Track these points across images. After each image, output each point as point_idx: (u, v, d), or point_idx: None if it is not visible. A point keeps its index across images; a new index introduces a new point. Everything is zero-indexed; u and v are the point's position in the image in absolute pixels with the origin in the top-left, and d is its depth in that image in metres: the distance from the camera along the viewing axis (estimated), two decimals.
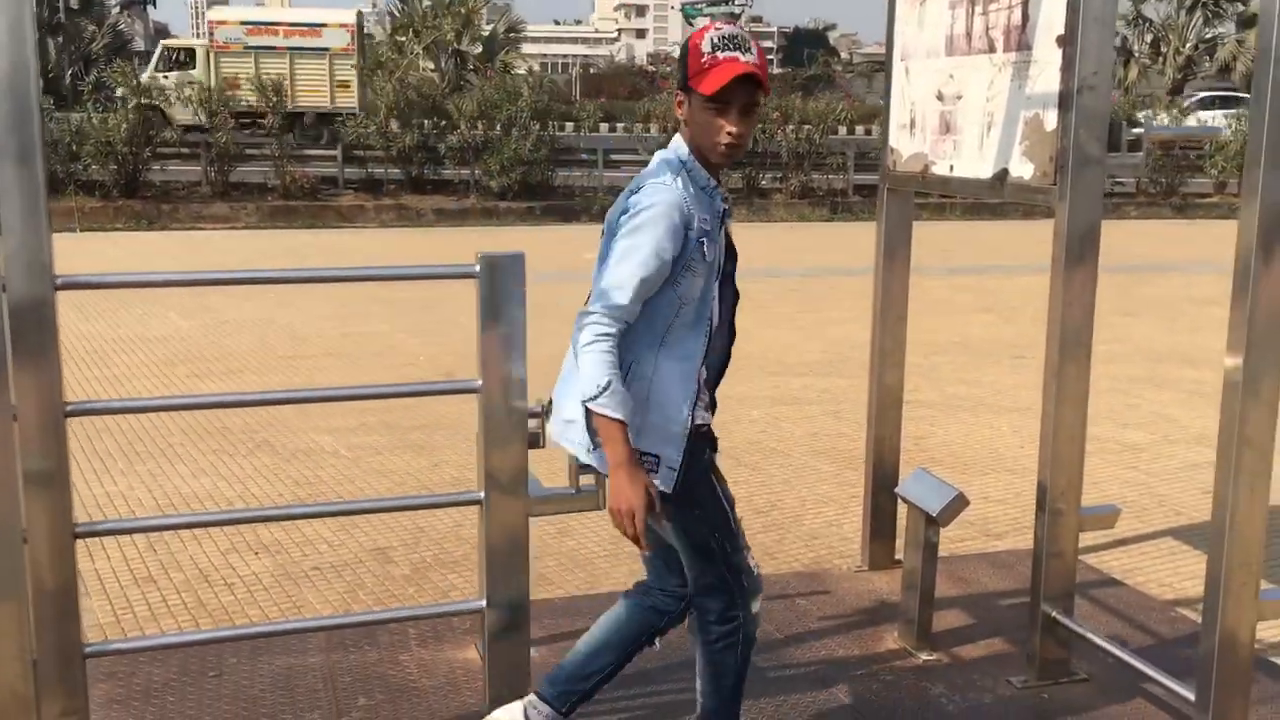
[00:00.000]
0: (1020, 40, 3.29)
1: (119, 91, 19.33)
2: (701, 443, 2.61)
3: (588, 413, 2.44)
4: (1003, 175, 3.41)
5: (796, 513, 5.15)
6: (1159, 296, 11.67)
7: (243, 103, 20.53)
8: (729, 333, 2.66)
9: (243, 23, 24.65)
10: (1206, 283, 12.23)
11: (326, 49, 24.39)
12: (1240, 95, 29.27)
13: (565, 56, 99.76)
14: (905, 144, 3.95)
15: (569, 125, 20.55)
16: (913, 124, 3.89)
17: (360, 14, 25.92)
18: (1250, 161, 2.63)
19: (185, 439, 6.15)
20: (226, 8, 26.28)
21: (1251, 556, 2.77)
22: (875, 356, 4.19)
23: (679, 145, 2.60)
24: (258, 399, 3.86)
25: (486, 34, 32.16)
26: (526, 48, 45.79)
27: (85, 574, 4.32)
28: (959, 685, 3.43)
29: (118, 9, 43.02)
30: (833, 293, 11.45)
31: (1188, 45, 35.55)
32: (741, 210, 18.20)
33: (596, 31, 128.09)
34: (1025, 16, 3.26)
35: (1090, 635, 3.34)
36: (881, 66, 4.49)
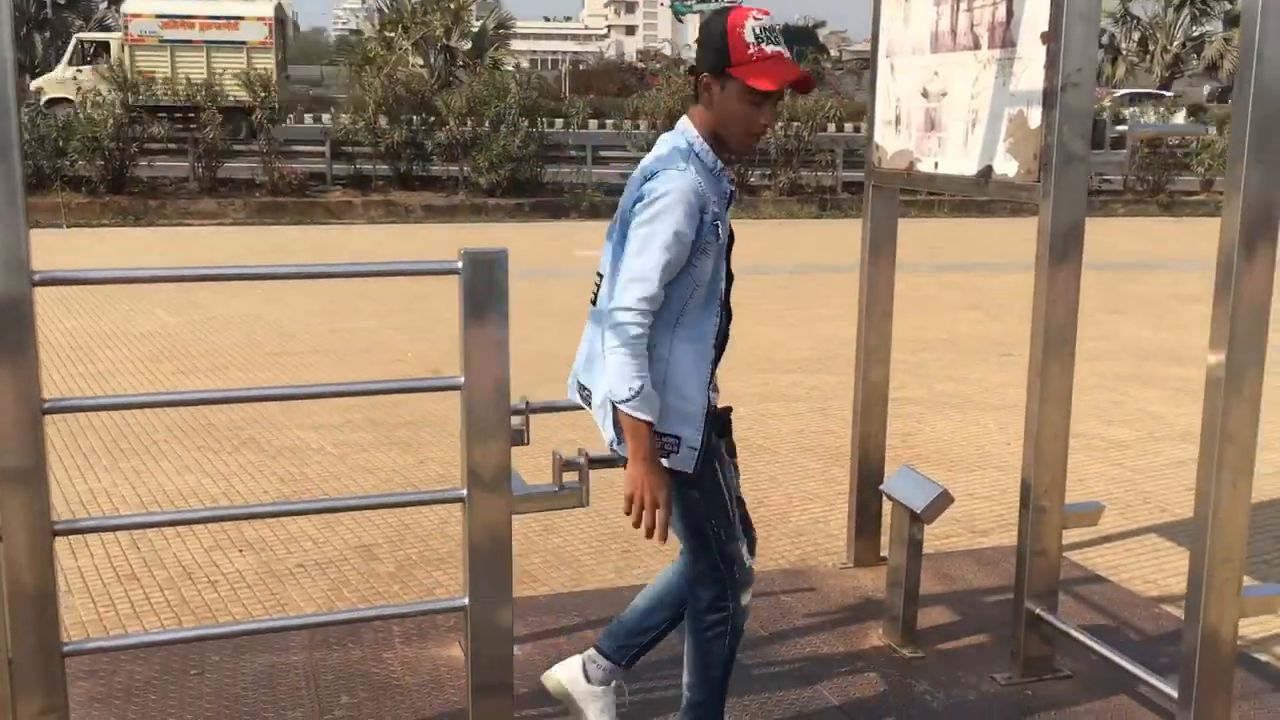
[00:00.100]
0: (1005, 37, 3.29)
1: (105, 89, 19.23)
2: (712, 424, 2.65)
3: (614, 409, 2.50)
4: (987, 172, 3.41)
5: (783, 509, 5.14)
6: (1146, 294, 11.70)
7: (173, 98, 20.11)
8: (728, 313, 2.71)
9: (158, 15, 24.02)
10: (1193, 280, 12.26)
11: (244, 42, 24.02)
12: (1160, 93, 29.70)
13: (555, 53, 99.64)
14: (890, 141, 3.94)
15: (558, 122, 20.52)
16: (898, 121, 3.88)
17: (280, 6, 25.28)
18: (1233, 158, 2.64)
19: (170, 436, 6.12)
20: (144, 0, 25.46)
21: (1234, 553, 2.78)
22: (861, 354, 4.18)
23: (687, 129, 2.63)
24: (237, 395, 3.84)
25: (476, 30, 32.10)
26: (516, 44, 45.70)
27: (68, 571, 4.31)
28: (943, 682, 3.43)
29: (105, 4, 42.78)
30: (821, 290, 11.46)
31: (1175, 43, 35.65)
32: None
33: (586, 28, 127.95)
34: (1010, 13, 3.26)
35: (1074, 632, 3.34)
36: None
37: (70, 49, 25.50)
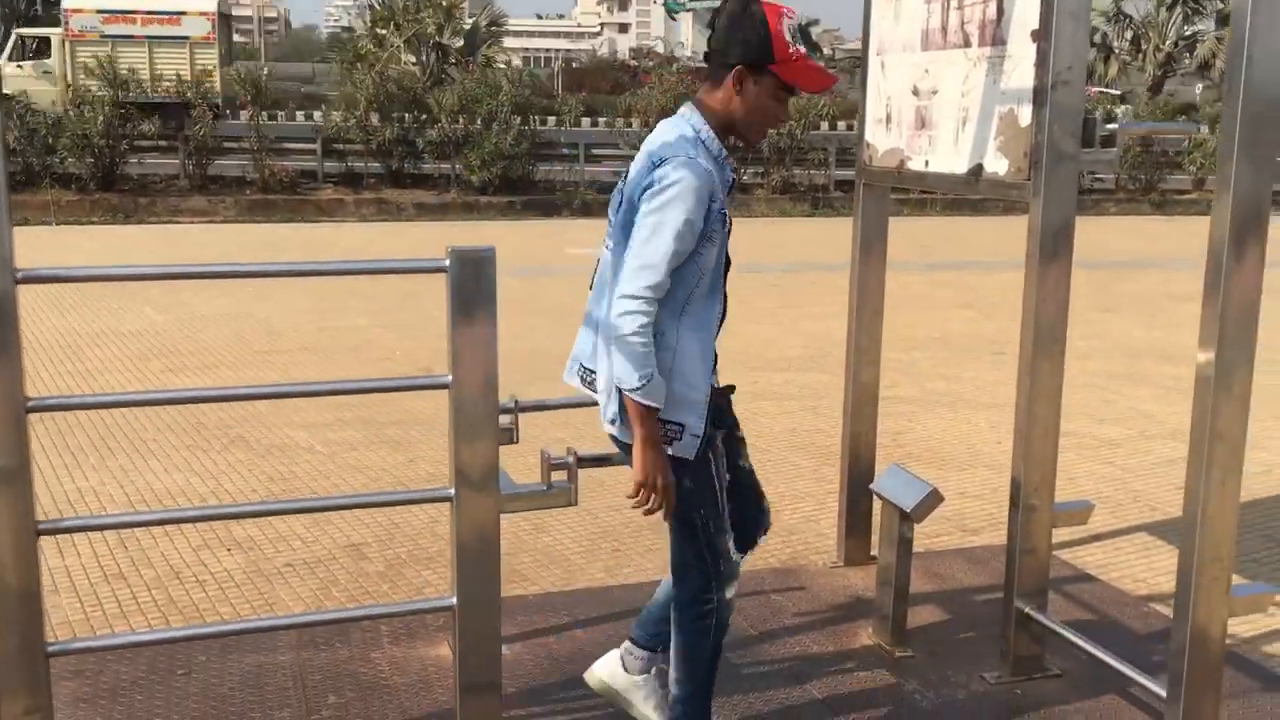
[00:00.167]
0: (995, 35, 3.28)
1: (95, 85, 19.16)
2: (716, 410, 2.68)
3: (620, 395, 2.54)
4: (978, 171, 3.40)
5: (774, 508, 5.10)
6: (1137, 293, 11.72)
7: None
8: (725, 296, 2.72)
9: (99, 10, 23.73)
10: (1185, 279, 12.28)
11: (186, 37, 23.84)
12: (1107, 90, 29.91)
13: (548, 51, 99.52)
14: (881, 139, 3.94)
15: (551, 120, 20.49)
16: (889, 119, 3.88)
17: (223, 0, 25.23)
18: (1223, 156, 2.63)
19: (158, 434, 6.09)
20: None
21: (1223, 552, 2.77)
22: (851, 353, 4.18)
23: (692, 116, 2.63)
24: (223, 394, 3.82)
25: (468, 28, 32.03)
26: (509, 41, 45.63)
27: (55, 570, 4.28)
28: (932, 681, 3.43)
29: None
30: (814, 288, 11.46)
31: (1168, 42, 35.70)
32: None
33: (579, 26, 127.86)
34: (1000, 11, 3.26)
35: (1063, 631, 3.34)
36: None
37: (10, 43, 24.93)
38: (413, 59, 28.30)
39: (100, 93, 18.44)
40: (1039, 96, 3.11)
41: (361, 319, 9.58)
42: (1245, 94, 2.57)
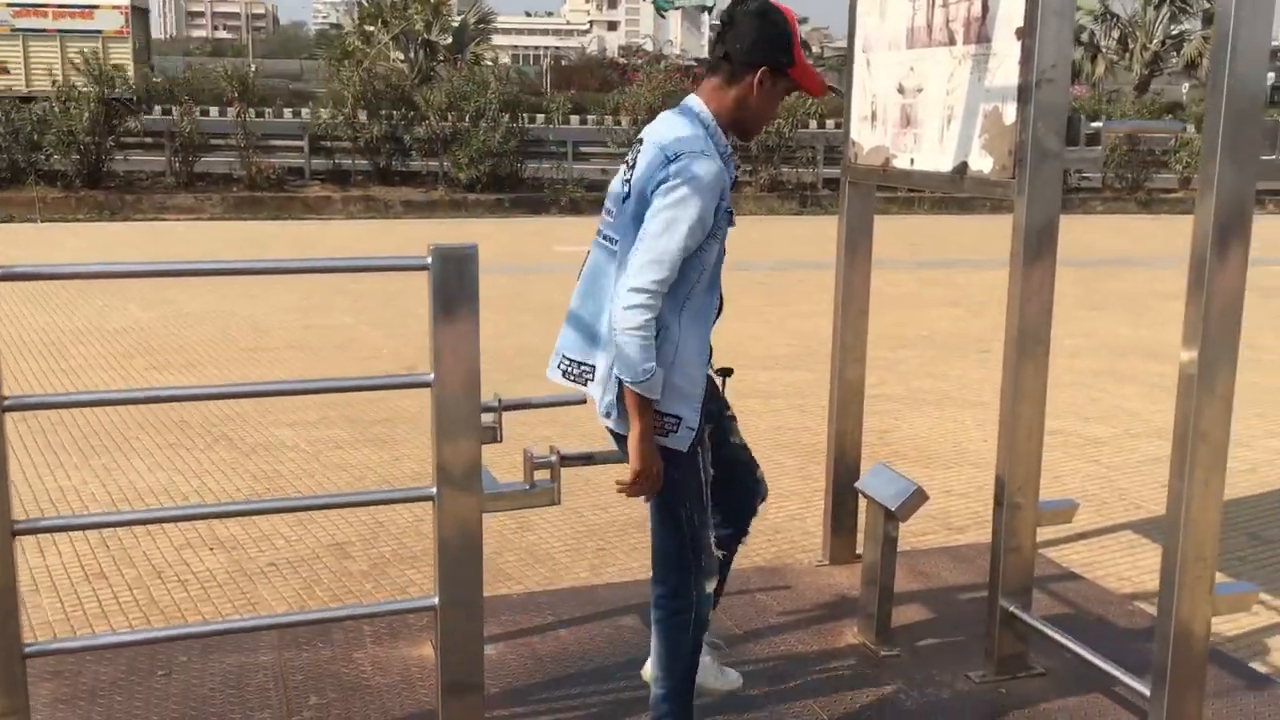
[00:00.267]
0: (980, 32, 3.27)
1: (81, 82, 19.04)
2: (713, 392, 2.77)
3: (619, 384, 2.58)
4: (963, 169, 3.39)
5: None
6: (1123, 291, 11.74)
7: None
8: (721, 294, 2.78)
9: (9, 4, 23.44)
10: (1170, 277, 12.32)
11: (99, 31, 23.55)
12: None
13: (537, 48, 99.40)
14: (866, 137, 3.93)
15: (539, 117, 20.44)
16: (874, 117, 3.87)
17: None
18: (1206, 155, 2.63)
19: (141, 432, 6.06)
20: None
21: (1206, 551, 2.77)
22: (837, 351, 4.17)
23: (701, 111, 2.67)
24: (201, 393, 3.78)
25: (457, 25, 31.95)
26: (497, 39, 45.54)
27: (35, 570, 4.25)
28: (917, 680, 3.42)
29: None
30: (801, 286, 11.46)
31: (1154, 41, 35.78)
32: None
33: (568, 23, 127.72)
34: (985, 9, 3.25)
35: (1047, 630, 3.34)
36: None
37: None
38: (401, 56, 28.21)
39: (86, 89, 18.32)
40: (1023, 94, 3.11)
41: (348, 316, 9.55)
42: (1229, 92, 2.57)
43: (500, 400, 3.19)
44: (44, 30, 23.32)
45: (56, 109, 17.73)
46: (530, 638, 3.63)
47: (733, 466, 3.01)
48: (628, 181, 2.67)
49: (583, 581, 4.27)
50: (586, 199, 19.00)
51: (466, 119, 18.92)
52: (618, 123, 20.51)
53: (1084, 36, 34.88)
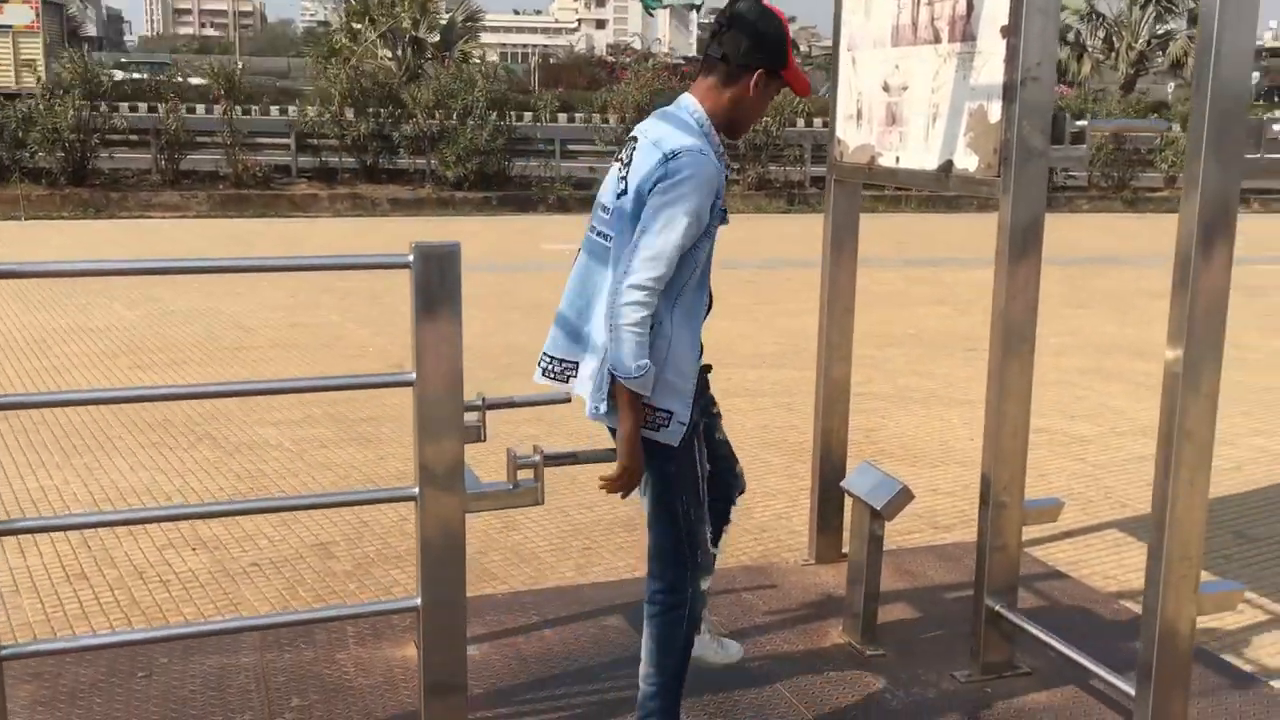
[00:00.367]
0: (965, 31, 3.26)
1: (67, 78, 18.90)
2: (703, 386, 2.78)
3: (612, 379, 2.59)
4: (948, 167, 3.38)
5: (745, 505, 5.05)
6: (1109, 289, 11.77)
7: None
8: (710, 291, 2.81)
9: None
10: (1156, 276, 12.36)
11: (9, 26, 23.18)
12: None
13: (525, 46, 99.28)
14: (852, 135, 3.92)
15: (527, 115, 20.38)
16: (859, 115, 3.86)
17: None
18: (1191, 154, 2.63)
19: (124, 431, 6.02)
20: None
21: (1191, 550, 2.77)
22: (823, 349, 4.16)
23: (696, 110, 2.69)
24: (181, 392, 3.75)
25: (444, 23, 31.85)
26: (486, 37, 45.40)
27: (16, 571, 4.22)
28: (902, 680, 3.41)
29: None
30: (788, 284, 11.45)
31: (1140, 41, 35.90)
32: None
33: (556, 21, 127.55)
34: (970, 7, 3.24)
35: (1033, 629, 3.33)
36: None
37: None
38: (389, 54, 28.11)
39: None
40: (1009, 92, 3.10)
41: (334, 315, 9.51)
42: (1213, 91, 2.56)
43: (484, 399, 3.17)
44: None
45: (42, 106, 17.60)
46: (515, 638, 3.61)
47: (715, 462, 3.04)
48: (623, 179, 2.68)
49: (568, 581, 4.25)
50: (574, 197, 18.97)
51: (454, 117, 18.85)
52: (606, 121, 20.46)
53: (1070, 36, 34.97)
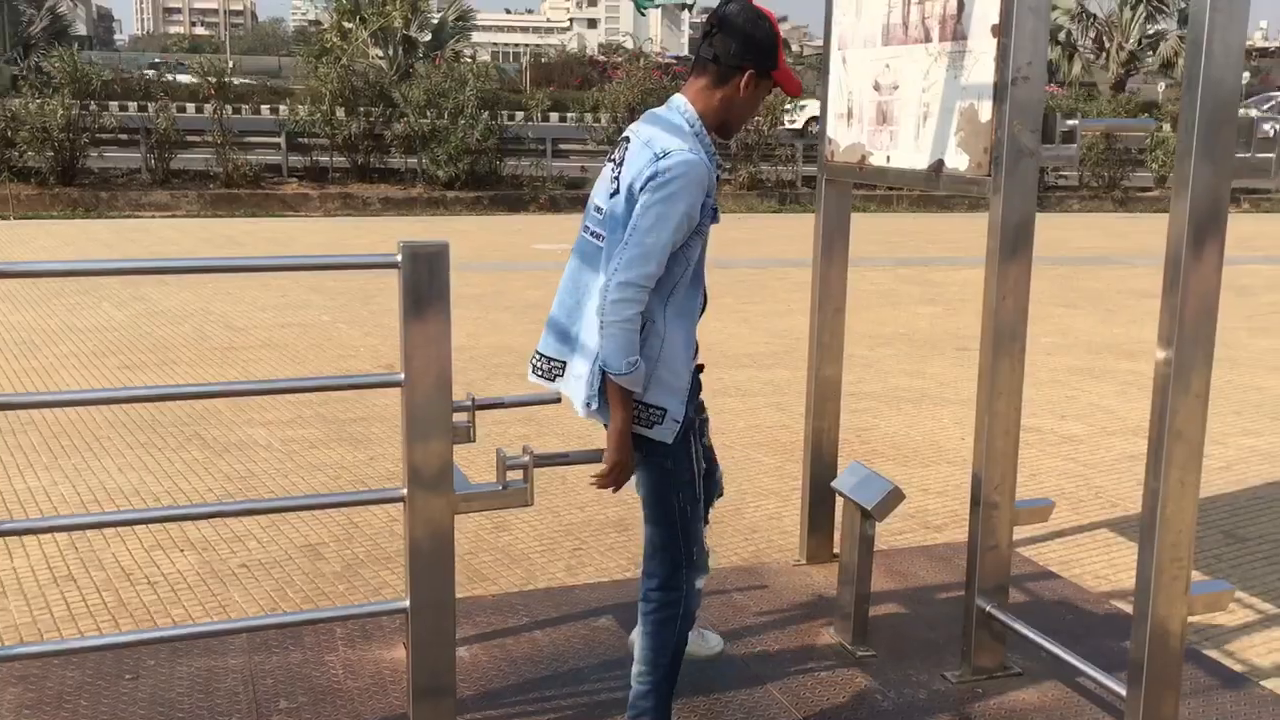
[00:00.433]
0: (955, 30, 3.26)
1: (57, 77, 18.83)
2: (696, 385, 2.80)
3: (602, 376, 2.63)
4: (938, 166, 3.38)
5: (736, 505, 5.10)
6: (1099, 289, 11.79)
7: None
8: (705, 290, 2.84)
9: None
10: (1146, 275, 12.38)
11: None
12: None
13: (517, 46, 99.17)
14: (843, 134, 3.91)
15: (518, 115, 20.35)
16: (850, 114, 3.85)
17: None
18: (1181, 153, 2.62)
19: (113, 432, 5.98)
20: None
21: (1182, 551, 2.76)
22: (814, 349, 4.15)
23: (687, 110, 2.72)
24: (165, 393, 3.72)
25: (436, 22, 31.81)
26: (477, 36, 45.39)
27: (3, 573, 4.19)
28: (894, 681, 3.40)
29: None
30: (779, 284, 11.45)
31: (1131, 40, 35.99)
32: None
33: (548, 21, 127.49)
34: (960, 6, 3.23)
35: (1024, 630, 3.33)
36: None
37: None
38: (380, 53, 28.06)
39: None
40: (999, 92, 3.09)
41: (325, 315, 9.48)
42: (1204, 91, 2.55)
43: (473, 399, 3.15)
44: None
45: (31, 106, 17.53)
46: (505, 639, 3.60)
47: None
48: (615, 179, 2.70)
49: (558, 582, 4.24)
50: (566, 196, 18.95)
51: (445, 116, 18.81)
52: (597, 120, 20.45)
53: (1061, 36, 35.05)
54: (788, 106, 20.35)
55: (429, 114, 18.83)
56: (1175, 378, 2.65)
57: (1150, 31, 36.83)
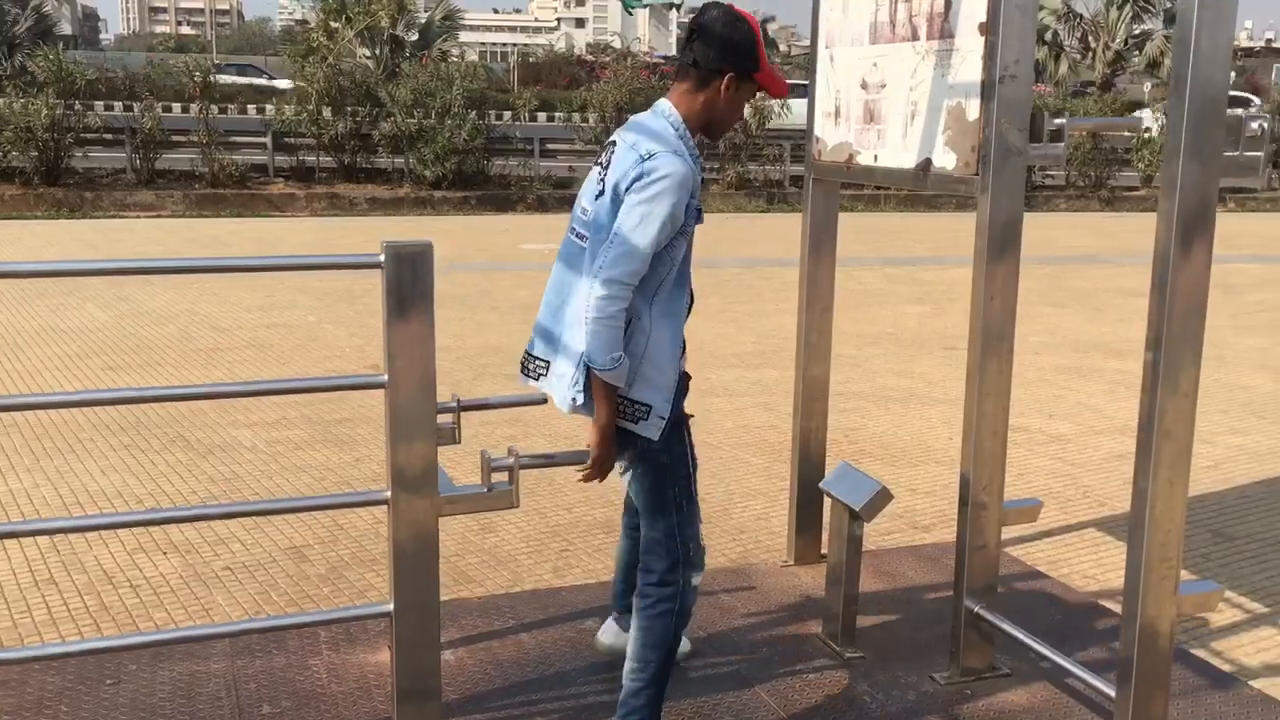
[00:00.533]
0: (943, 28, 3.24)
1: (41, 77, 18.71)
2: (680, 394, 2.83)
3: (587, 372, 2.67)
4: (926, 165, 3.36)
5: (724, 506, 5.09)
6: (1087, 288, 11.80)
7: None
8: (691, 290, 2.88)
9: None
10: (1133, 274, 12.41)
11: None
12: None
13: (504, 45, 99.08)
14: (830, 133, 3.89)
15: (506, 114, 20.29)
16: (837, 113, 3.83)
17: None
18: (1169, 153, 2.61)
19: (96, 434, 5.94)
20: None
21: (1171, 551, 2.75)
22: (801, 349, 4.13)
23: (671, 114, 2.78)
24: (150, 395, 3.68)
25: (423, 21, 31.68)
26: (465, 35, 45.25)
27: None
28: (882, 683, 3.39)
29: None
30: (767, 283, 11.44)
31: (1117, 40, 36.10)
32: None
33: (536, 20, 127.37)
34: (948, 4, 3.22)
35: (1013, 631, 3.31)
36: None
37: None
38: (367, 52, 27.95)
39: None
40: (987, 90, 3.08)
41: (310, 315, 9.43)
42: (1192, 90, 2.54)
43: (459, 400, 3.12)
44: None
45: (15, 105, 17.41)
46: (490, 642, 3.57)
47: None
48: (602, 180, 2.76)
49: (545, 584, 4.21)
50: (553, 196, 18.91)
51: (432, 116, 18.74)
52: (585, 120, 20.40)
53: (1047, 36, 35.15)
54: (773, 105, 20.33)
55: (416, 113, 18.76)
56: (1164, 377, 2.64)
57: (1136, 31, 36.95)
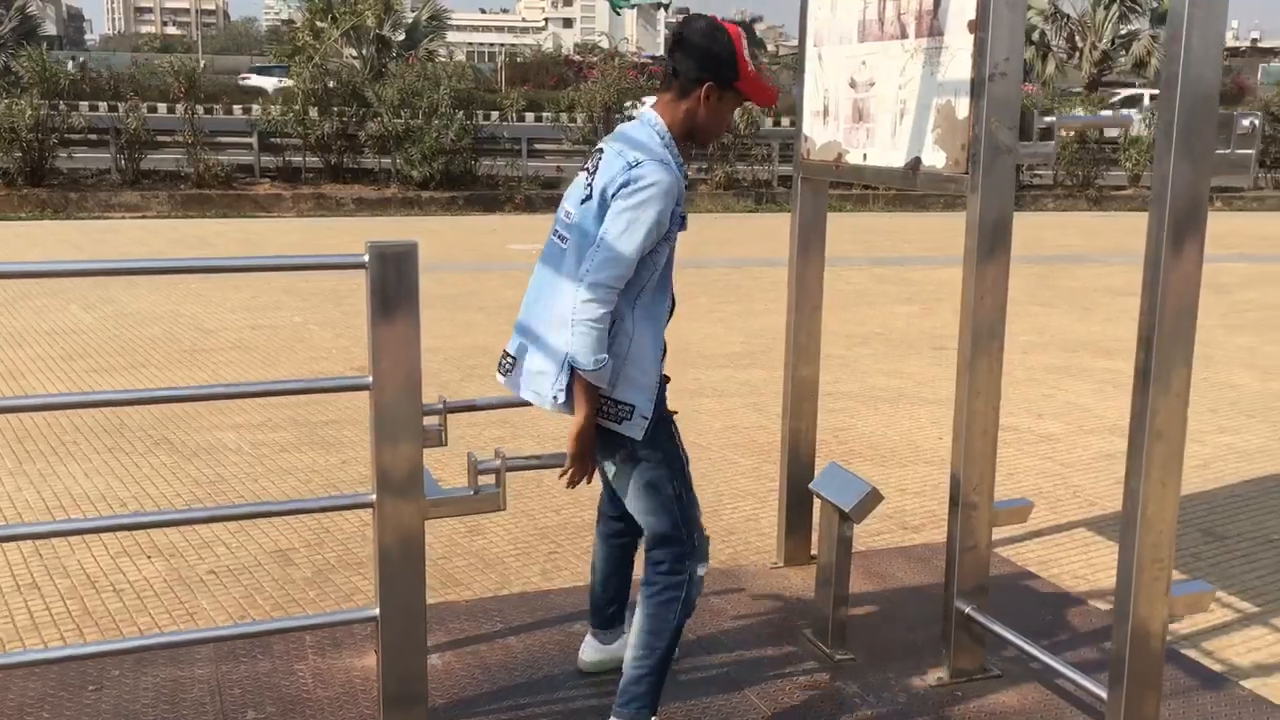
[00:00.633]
0: (932, 26, 3.22)
1: (25, 77, 18.60)
2: (662, 391, 2.86)
3: (571, 372, 2.70)
4: (915, 164, 3.34)
5: (713, 507, 5.06)
6: (1075, 287, 11.82)
7: None
8: (673, 294, 2.92)
9: None
10: (1121, 273, 12.44)
11: None
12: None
13: (492, 45, 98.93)
14: (819, 132, 3.87)
15: (493, 114, 20.24)
16: (826, 112, 3.81)
17: None
18: (1160, 153, 2.59)
19: (79, 436, 5.88)
20: None
21: (1162, 551, 2.74)
22: (790, 349, 4.11)
23: (657, 123, 2.82)
24: (134, 397, 3.62)
25: (410, 21, 31.61)
26: (452, 35, 45.15)
27: None
28: (872, 684, 3.37)
29: None
30: (756, 284, 11.42)
31: (1104, 40, 36.22)
32: None
33: (523, 20, 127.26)
34: (936, 1, 3.20)
35: (1004, 631, 3.30)
36: None
37: None
38: (353, 52, 27.86)
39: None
40: (976, 88, 3.06)
41: (297, 316, 9.37)
42: (1183, 88, 2.53)
43: (445, 402, 3.10)
44: None
45: None
46: (478, 646, 3.54)
47: None
48: (589, 185, 2.80)
49: (533, 587, 4.18)
50: (541, 196, 18.87)
51: (419, 115, 18.68)
52: (573, 120, 20.37)
53: (1034, 36, 35.23)
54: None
55: (403, 114, 18.70)
56: (1155, 377, 2.62)
57: (1123, 31, 37.07)
